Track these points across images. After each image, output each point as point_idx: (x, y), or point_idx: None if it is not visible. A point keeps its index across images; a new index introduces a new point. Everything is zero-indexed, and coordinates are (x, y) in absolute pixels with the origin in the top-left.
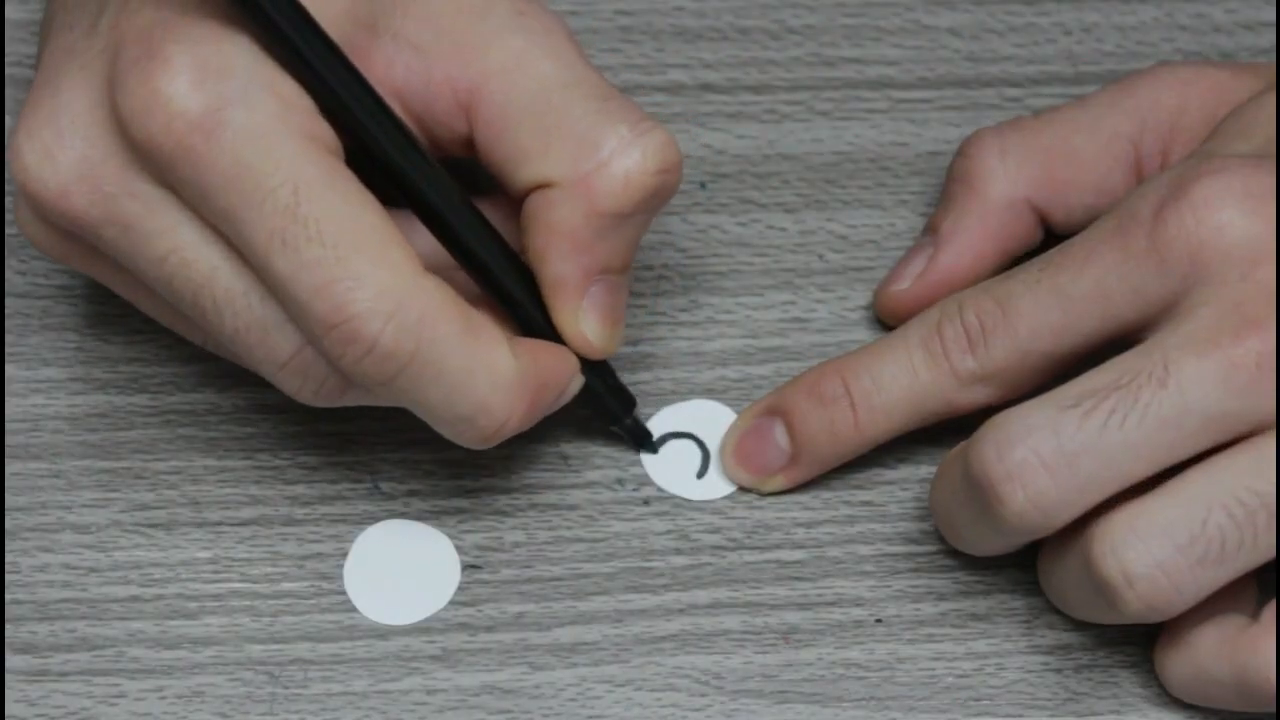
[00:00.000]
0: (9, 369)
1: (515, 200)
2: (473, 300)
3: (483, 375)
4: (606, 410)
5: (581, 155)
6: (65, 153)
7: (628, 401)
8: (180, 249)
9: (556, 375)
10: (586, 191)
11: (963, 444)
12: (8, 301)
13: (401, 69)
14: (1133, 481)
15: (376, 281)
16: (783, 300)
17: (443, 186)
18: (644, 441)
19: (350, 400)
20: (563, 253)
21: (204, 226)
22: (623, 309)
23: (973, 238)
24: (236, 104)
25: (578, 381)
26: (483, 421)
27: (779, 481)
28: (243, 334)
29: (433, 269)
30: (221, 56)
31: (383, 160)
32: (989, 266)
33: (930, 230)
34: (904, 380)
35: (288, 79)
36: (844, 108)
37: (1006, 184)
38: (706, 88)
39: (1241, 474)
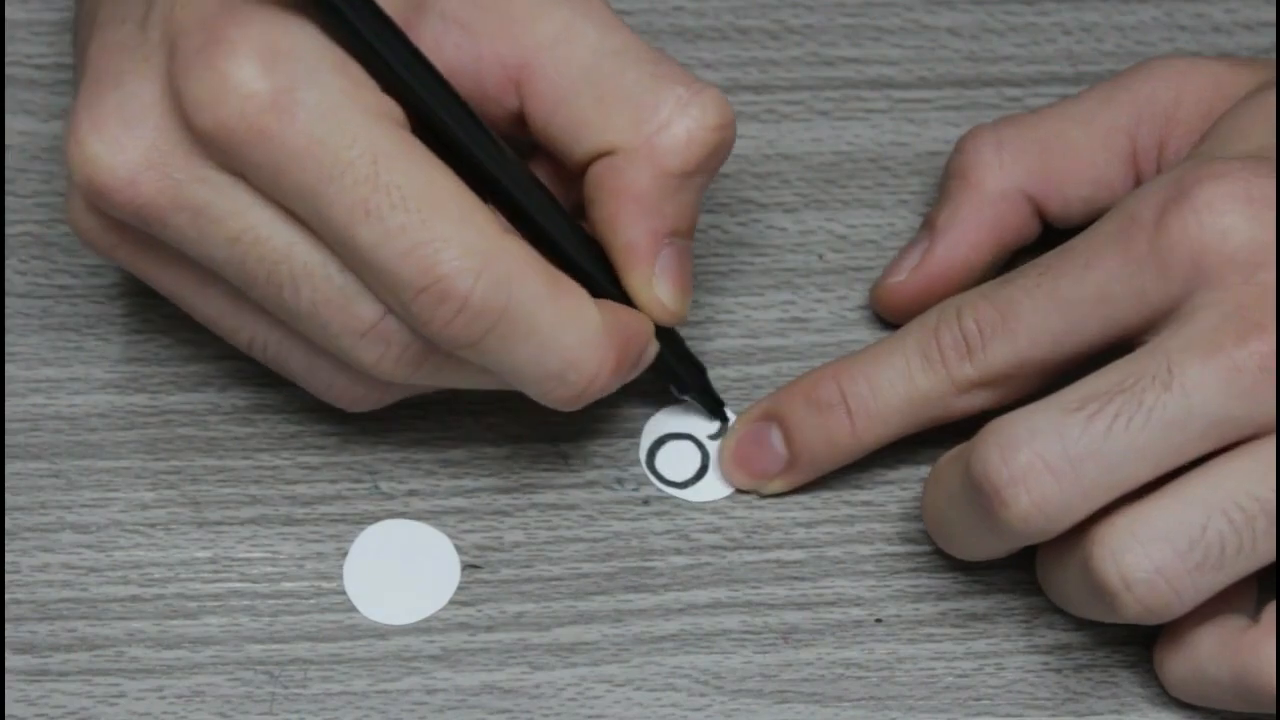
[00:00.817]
0: (9, 369)
1: (570, 173)
2: None
3: (571, 329)
4: (678, 378)
5: (642, 119)
6: (135, 141)
7: (698, 369)
8: (254, 227)
9: (639, 330)
10: (651, 153)
11: (959, 447)
12: (8, 301)
13: (450, 47)
14: (1137, 485)
15: (463, 241)
16: (782, 300)
17: (508, 162)
18: (716, 409)
19: (426, 371)
20: (633, 216)
21: (275, 206)
22: (691, 273)
23: (968, 229)
24: (305, 83)
25: (654, 346)
26: (573, 376)
27: (776, 486)
28: (321, 307)
29: None
30: (286, 38)
31: (447, 138)
32: (985, 258)
33: (926, 225)
34: (901, 387)
35: (351, 59)
36: (844, 108)
37: (1002, 176)
38: None
39: (1241, 479)
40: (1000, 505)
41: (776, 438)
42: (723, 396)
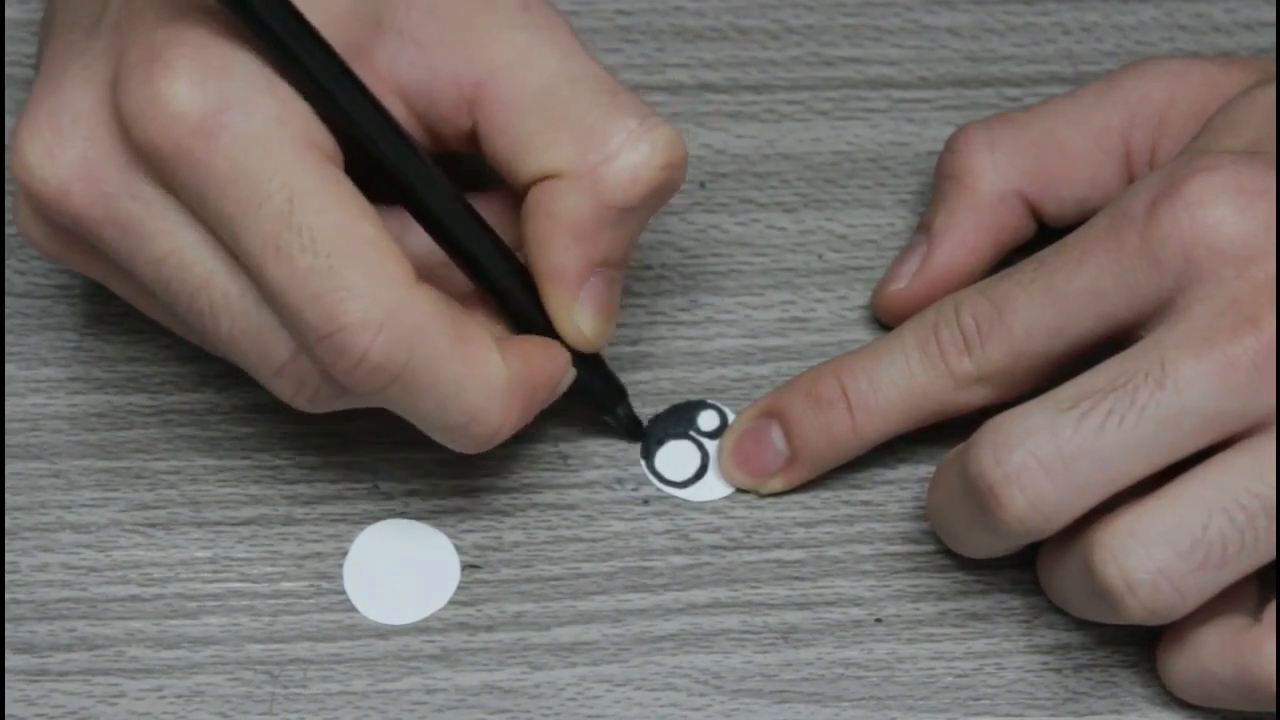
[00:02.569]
0: (9, 369)
1: (516, 195)
2: (465, 296)
3: (475, 384)
4: (597, 401)
5: (589, 147)
6: (66, 151)
7: (618, 391)
8: (179, 250)
9: (548, 374)
10: (594, 183)
11: (960, 447)
12: (8, 301)
13: (406, 65)
14: (1132, 482)
15: (369, 292)
16: (782, 300)
17: (436, 184)
18: (635, 431)
19: (344, 405)
20: (565, 242)
21: (203, 230)
22: (617, 305)
23: (966, 232)
24: (235, 107)
25: (570, 375)
26: (475, 429)
27: (777, 483)
28: (238, 338)
29: (427, 266)
30: (222, 60)
31: (377, 159)
32: (984, 260)
33: (923, 228)
34: (901, 382)
35: (285, 83)
36: (843, 107)
37: (996, 177)
38: (706, 87)
39: (1241, 477)
40: (995, 505)
41: (777, 435)
42: (722, 397)
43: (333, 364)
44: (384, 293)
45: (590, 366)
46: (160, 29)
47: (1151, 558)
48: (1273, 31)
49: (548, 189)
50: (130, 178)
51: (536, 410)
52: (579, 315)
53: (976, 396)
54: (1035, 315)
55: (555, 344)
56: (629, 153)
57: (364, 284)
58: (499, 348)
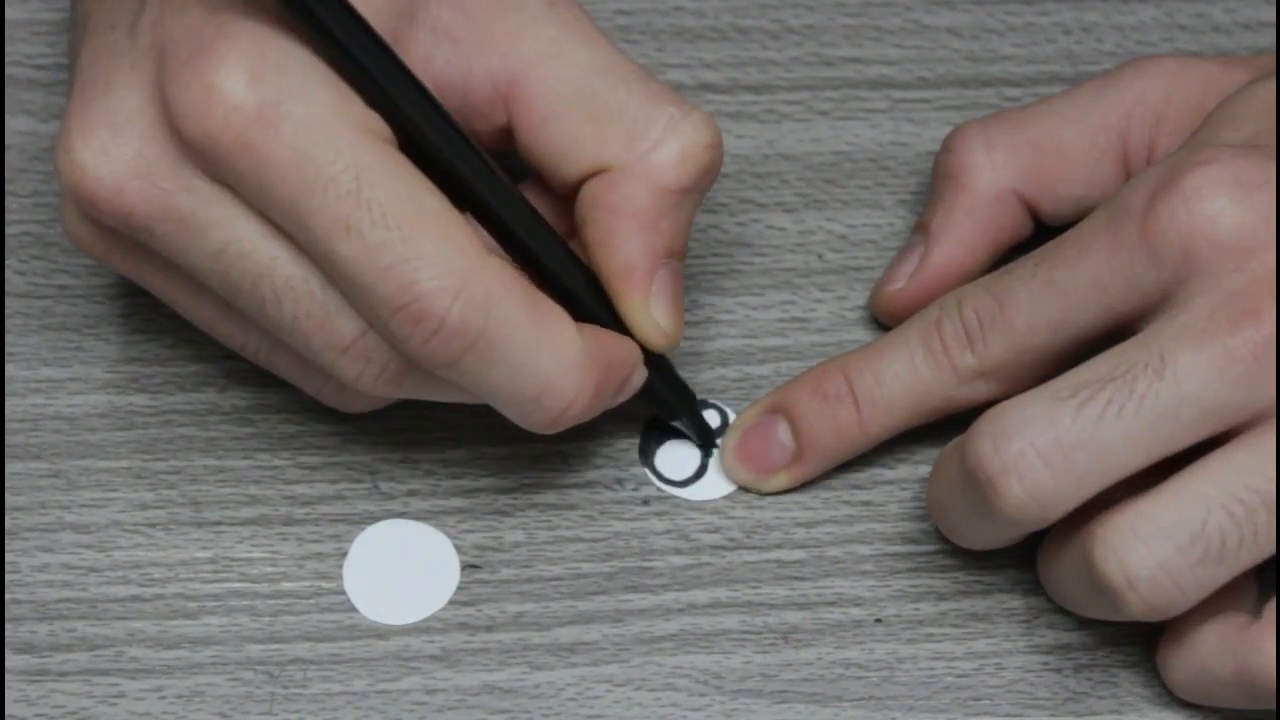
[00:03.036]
0: (8, 369)
1: (558, 193)
2: None
3: (549, 353)
4: (668, 405)
5: (636, 136)
6: (122, 150)
7: (688, 396)
8: (238, 240)
9: (621, 359)
10: (647, 170)
11: (959, 438)
12: (8, 301)
13: (440, 62)
14: (1130, 473)
15: (443, 260)
16: (782, 300)
17: (496, 181)
18: (707, 437)
19: (408, 388)
20: (630, 234)
21: (261, 219)
22: (683, 298)
23: (963, 232)
24: (292, 96)
25: (641, 373)
26: (549, 402)
27: (780, 480)
28: (303, 321)
29: None
30: (273, 51)
31: (434, 155)
32: (982, 260)
33: (920, 228)
34: (905, 377)
35: (337, 75)
36: (843, 108)
37: (993, 176)
38: (706, 87)
39: (1240, 471)
40: (994, 494)
41: (783, 430)
42: (723, 397)
43: (409, 335)
44: (457, 260)
45: (660, 370)
46: (208, 23)
47: (1151, 553)
48: (1273, 31)
49: (603, 184)
50: (184, 173)
51: (608, 399)
52: (655, 310)
53: (980, 391)
54: (1036, 309)
55: (626, 339)
56: (674, 137)
57: (437, 252)
58: (574, 325)
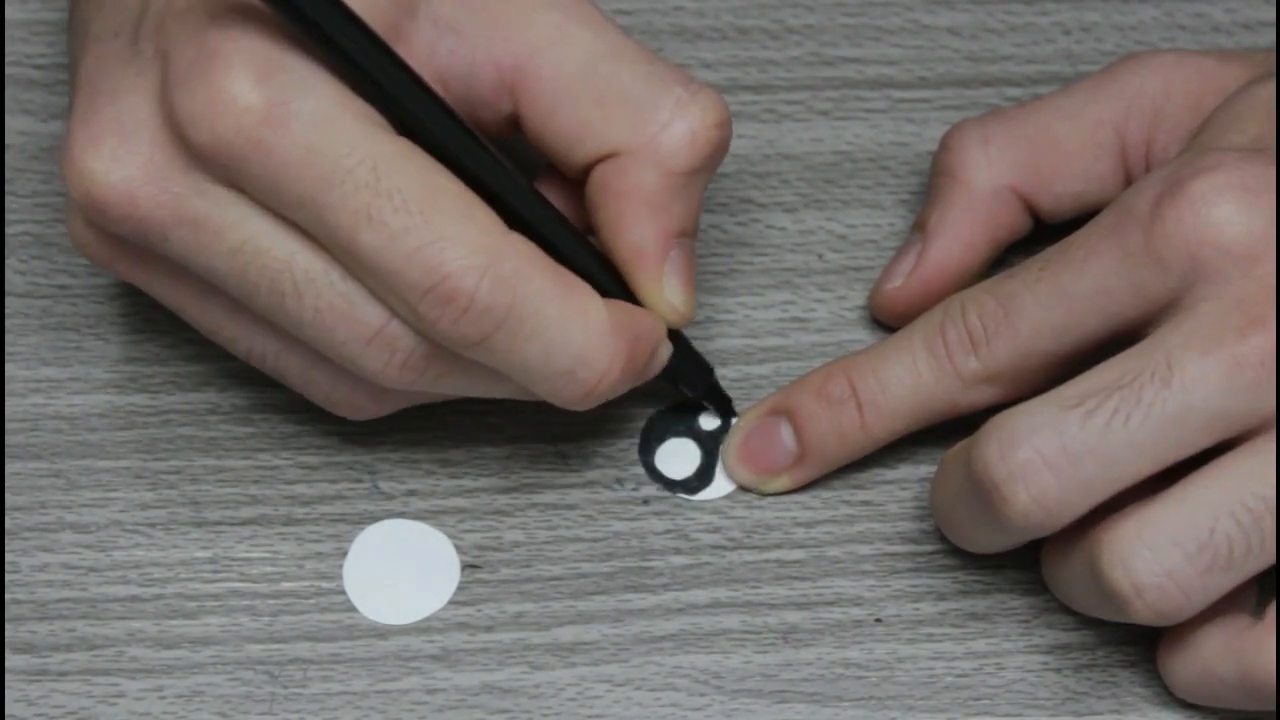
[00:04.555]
0: (9, 368)
1: (568, 178)
2: None
3: (579, 324)
4: (689, 378)
5: (643, 120)
6: (132, 156)
7: (706, 368)
8: (254, 237)
9: (649, 329)
10: (656, 153)
11: (963, 443)
12: (8, 301)
13: (444, 53)
14: (1137, 480)
15: (467, 239)
16: (782, 300)
17: (502, 171)
18: (726, 408)
19: (430, 377)
20: (641, 217)
21: (275, 216)
22: (694, 274)
23: (961, 229)
24: (299, 94)
25: (667, 348)
26: (582, 374)
27: (782, 482)
28: (325, 313)
29: None
30: (278, 51)
31: (439, 149)
32: (980, 257)
33: (918, 227)
34: (909, 382)
35: (339, 79)
36: (843, 107)
37: (991, 173)
38: None
39: (1246, 479)
40: (1000, 501)
41: (787, 432)
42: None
43: (439, 317)
44: (481, 238)
45: (678, 344)
46: (210, 29)
47: (1158, 561)
48: (1273, 31)
49: (612, 168)
50: (193, 176)
51: (640, 369)
52: (669, 289)
53: (983, 396)
54: (1041, 314)
55: (649, 310)
56: (682, 118)
57: (460, 232)
58: (600, 297)
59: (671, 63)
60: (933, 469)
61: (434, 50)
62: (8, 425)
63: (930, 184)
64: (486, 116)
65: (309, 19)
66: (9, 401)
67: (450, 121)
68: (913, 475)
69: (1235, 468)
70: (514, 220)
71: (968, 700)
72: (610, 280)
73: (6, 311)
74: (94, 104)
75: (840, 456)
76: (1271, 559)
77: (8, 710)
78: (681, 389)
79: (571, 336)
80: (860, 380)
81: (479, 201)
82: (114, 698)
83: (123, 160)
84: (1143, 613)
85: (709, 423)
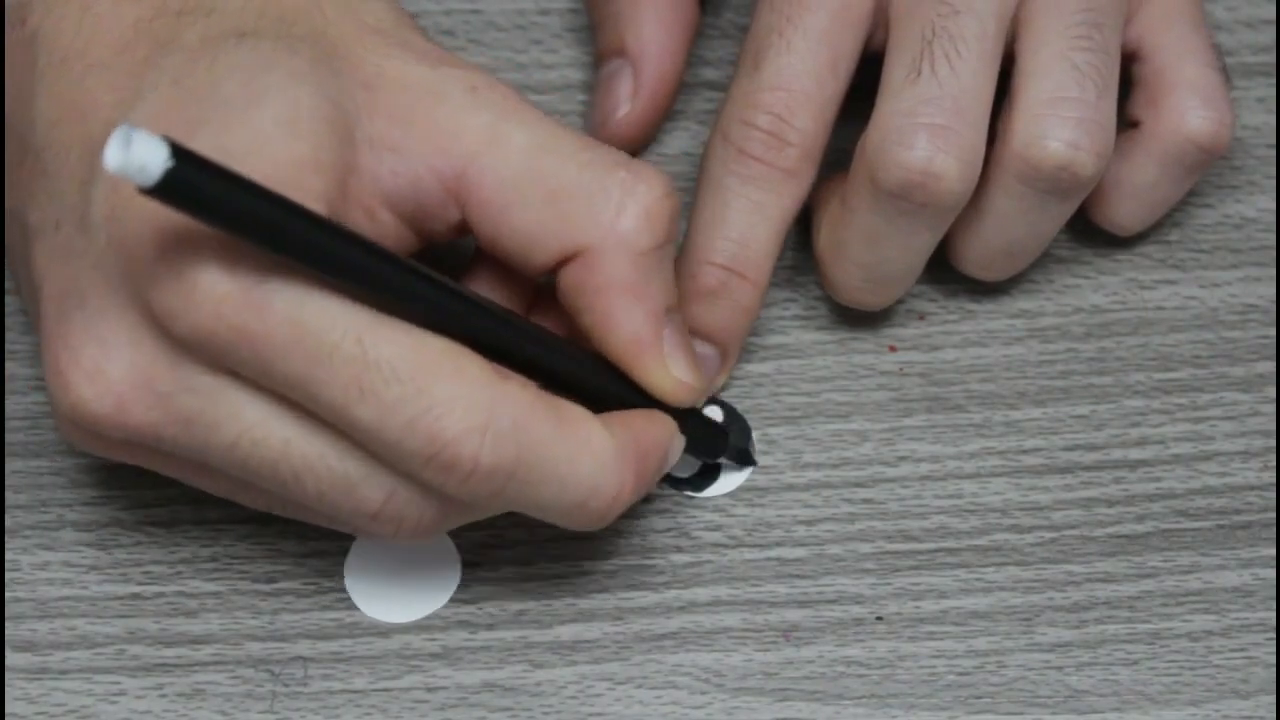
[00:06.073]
0: (9, 367)
1: (524, 278)
2: None
3: (586, 459)
4: (707, 451)
5: (596, 210)
6: (115, 365)
7: (722, 432)
8: (249, 429)
9: (654, 437)
10: (620, 240)
11: (833, 179)
12: (8, 300)
13: (387, 174)
14: (990, 102)
15: (462, 399)
16: (783, 298)
17: (479, 309)
18: (746, 460)
19: (449, 526)
20: (628, 307)
21: (268, 399)
22: (691, 344)
23: (660, 35)
24: (271, 274)
25: (680, 441)
26: (594, 503)
27: (721, 379)
28: (328, 495)
29: None
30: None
31: (412, 308)
32: (685, 53)
33: (615, 52)
34: (755, 216)
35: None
36: (843, 107)
37: None
38: (706, 86)
39: (1063, 26)
40: (934, 179)
41: (702, 347)
42: (723, 394)
43: (445, 482)
44: (476, 395)
45: (691, 421)
46: (164, 216)
47: (1066, 122)
48: (1273, 30)
49: (583, 267)
50: (182, 372)
51: (653, 477)
52: (674, 368)
53: (812, 175)
54: (810, 63)
55: (652, 411)
56: (633, 199)
57: (454, 394)
58: (600, 421)
59: (605, 145)
60: (934, 468)
61: (378, 175)
62: (9, 423)
63: (601, 12)
64: (436, 228)
65: (260, 228)
66: (10, 399)
67: (415, 278)
68: (913, 474)
69: (1047, 29)
70: (501, 354)
71: (969, 698)
72: (613, 380)
73: (6, 310)
74: (63, 310)
75: (750, 325)
76: (1118, 54)
77: (9, 708)
78: (706, 458)
79: (580, 473)
80: (719, 253)
81: (466, 351)
82: (115, 696)
83: (106, 371)
84: (1091, 166)
85: (748, 450)
